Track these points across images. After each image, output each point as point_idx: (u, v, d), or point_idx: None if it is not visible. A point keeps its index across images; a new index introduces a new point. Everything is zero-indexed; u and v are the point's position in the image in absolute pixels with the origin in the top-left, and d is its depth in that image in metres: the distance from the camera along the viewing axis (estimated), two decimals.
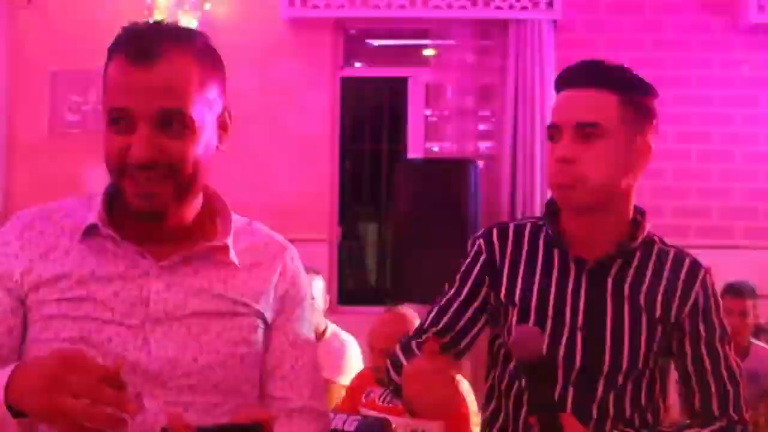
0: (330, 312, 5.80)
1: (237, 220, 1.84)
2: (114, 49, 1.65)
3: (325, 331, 4.65)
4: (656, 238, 2.08)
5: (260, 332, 1.77)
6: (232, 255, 1.76)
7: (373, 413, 3.68)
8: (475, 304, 2.11)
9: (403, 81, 6.53)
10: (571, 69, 2.02)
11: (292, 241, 6.06)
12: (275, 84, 6.30)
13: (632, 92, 1.97)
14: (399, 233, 5.41)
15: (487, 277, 2.10)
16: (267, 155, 6.25)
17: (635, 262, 2.02)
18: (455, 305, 2.12)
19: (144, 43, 1.62)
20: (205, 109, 1.68)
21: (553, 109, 2.03)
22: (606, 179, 1.94)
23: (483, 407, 2.21)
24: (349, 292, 6.77)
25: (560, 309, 2.00)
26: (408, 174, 5.48)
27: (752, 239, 6.18)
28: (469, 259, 2.14)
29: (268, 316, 1.79)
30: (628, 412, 2.00)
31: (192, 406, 1.66)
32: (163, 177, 1.64)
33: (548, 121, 2.05)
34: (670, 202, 6.20)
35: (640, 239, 2.02)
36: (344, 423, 2.93)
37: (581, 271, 2.01)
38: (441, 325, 2.13)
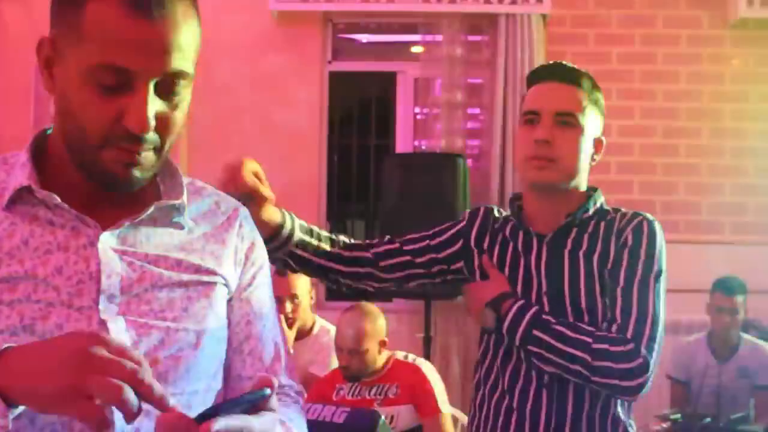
0: (319, 308, 5.77)
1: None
2: None
3: (313, 326, 4.61)
4: (611, 209, 2.35)
5: (225, 303, 1.52)
6: (188, 216, 1.50)
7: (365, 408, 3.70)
8: (440, 256, 2.42)
9: (391, 76, 6.50)
10: (549, 66, 2.38)
11: None
12: (263, 78, 6.28)
13: (595, 93, 2.31)
14: (386, 228, 5.38)
15: (460, 244, 2.42)
16: (254, 149, 6.14)
17: (589, 230, 2.29)
18: (424, 242, 2.43)
19: None
20: (194, 69, 1.44)
21: (531, 97, 2.31)
22: (574, 163, 2.27)
23: (477, 385, 2.41)
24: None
25: (527, 278, 2.29)
26: (396, 169, 5.46)
27: (741, 235, 6.18)
28: (450, 223, 2.47)
29: (232, 283, 1.54)
30: None
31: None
32: (151, 148, 1.39)
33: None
34: (659, 197, 6.19)
35: (592, 210, 2.31)
36: (333, 415, 2.90)
37: (542, 244, 2.30)
38: (409, 245, 2.43)
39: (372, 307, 4.07)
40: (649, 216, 2.29)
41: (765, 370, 4.95)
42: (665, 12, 6.31)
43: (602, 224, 2.29)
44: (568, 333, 2.14)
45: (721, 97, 6.26)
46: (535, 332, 2.16)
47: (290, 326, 4.32)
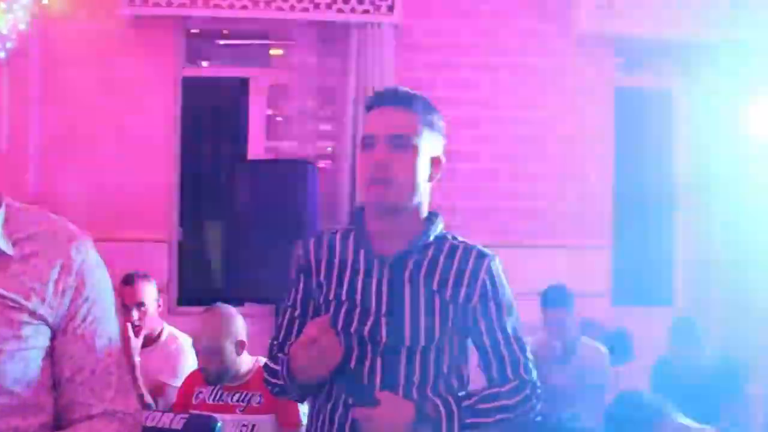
0: (169, 314, 5.76)
1: (12, 204, 1.64)
2: None
3: (161, 333, 4.61)
4: (449, 236, 2.46)
5: (34, 329, 1.61)
6: (2, 243, 1.58)
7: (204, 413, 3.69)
8: (310, 313, 2.48)
9: (245, 82, 6.52)
10: (384, 92, 2.46)
11: (131, 241, 5.91)
12: (115, 82, 6.19)
13: (430, 115, 2.41)
14: (237, 234, 5.43)
15: (309, 283, 2.47)
16: (106, 154, 6.14)
17: (429, 256, 2.40)
18: (297, 319, 2.49)
19: None
20: None
21: (368, 123, 2.43)
22: (411, 183, 2.36)
23: (315, 394, 2.48)
24: (191, 293, 6.73)
25: (367, 298, 2.37)
26: (247, 175, 5.51)
27: (580, 239, 6.44)
28: (295, 269, 2.52)
29: (46, 313, 1.61)
30: (431, 378, 2.35)
31: None
32: None
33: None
34: (504, 203, 6.39)
35: (432, 236, 2.42)
36: (171, 422, 2.93)
37: (383, 266, 2.38)
38: (293, 337, 2.46)
39: (228, 308, 4.03)
40: (491, 253, 2.43)
41: (600, 371, 5.14)
42: (512, 24, 6.50)
43: (443, 251, 2.40)
44: (487, 406, 2.32)
45: (562, 106, 6.49)
46: (468, 421, 2.29)
47: (137, 334, 4.31)
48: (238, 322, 4.00)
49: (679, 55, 6.77)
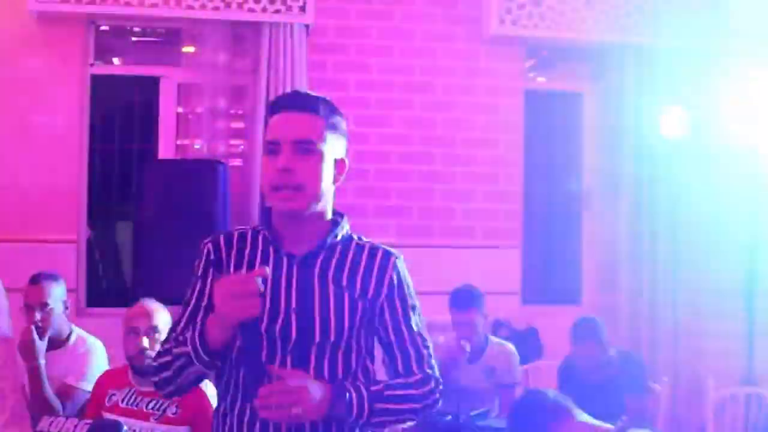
0: (79, 314, 5.70)
1: None
2: None
3: (69, 336, 4.54)
4: (354, 236, 2.51)
5: None
6: None
7: (113, 417, 3.65)
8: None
9: (155, 80, 6.46)
10: (288, 96, 2.51)
11: (38, 242, 5.79)
12: (21, 80, 6.08)
13: (333, 118, 2.43)
14: (147, 234, 5.38)
15: (218, 276, 2.39)
16: (11, 153, 6.04)
17: (337, 255, 2.44)
18: (201, 310, 2.43)
19: None
20: None
21: (271, 128, 2.40)
22: (317, 188, 2.37)
23: (218, 396, 2.49)
24: (102, 293, 6.65)
25: (276, 295, 2.36)
26: (157, 174, 5.46)
27: (491, 239, 6.52)
28: (202, 263, 2.47)
29: None
30: (340, 374, 2.37)
31: None
32: None
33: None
34: (416, 203, 6.45)
35: (339, 236, 2.46)
36: (75, 428, 2.89)
37: (292, 263, 2.40)
38: (198, 324, 2.36)
39: (157, 303, 4.10)
40: (396, 252, 2.49)
41: (509, 370, 5.20)
42: (423, 26, 6.56)
43: (350, 249, 2.45)
44: (395, 393, 2.36)
45: (474, 108, 6.57)
46: (377, 405, 2.32)
47: (41, 336, 4.24)
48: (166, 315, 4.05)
49: (589, 58, 6.90)
